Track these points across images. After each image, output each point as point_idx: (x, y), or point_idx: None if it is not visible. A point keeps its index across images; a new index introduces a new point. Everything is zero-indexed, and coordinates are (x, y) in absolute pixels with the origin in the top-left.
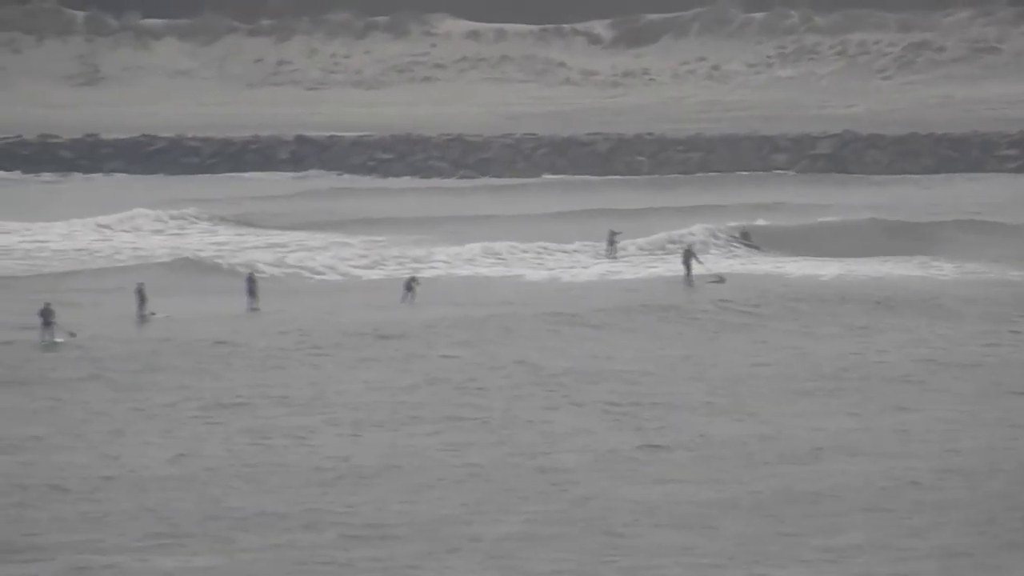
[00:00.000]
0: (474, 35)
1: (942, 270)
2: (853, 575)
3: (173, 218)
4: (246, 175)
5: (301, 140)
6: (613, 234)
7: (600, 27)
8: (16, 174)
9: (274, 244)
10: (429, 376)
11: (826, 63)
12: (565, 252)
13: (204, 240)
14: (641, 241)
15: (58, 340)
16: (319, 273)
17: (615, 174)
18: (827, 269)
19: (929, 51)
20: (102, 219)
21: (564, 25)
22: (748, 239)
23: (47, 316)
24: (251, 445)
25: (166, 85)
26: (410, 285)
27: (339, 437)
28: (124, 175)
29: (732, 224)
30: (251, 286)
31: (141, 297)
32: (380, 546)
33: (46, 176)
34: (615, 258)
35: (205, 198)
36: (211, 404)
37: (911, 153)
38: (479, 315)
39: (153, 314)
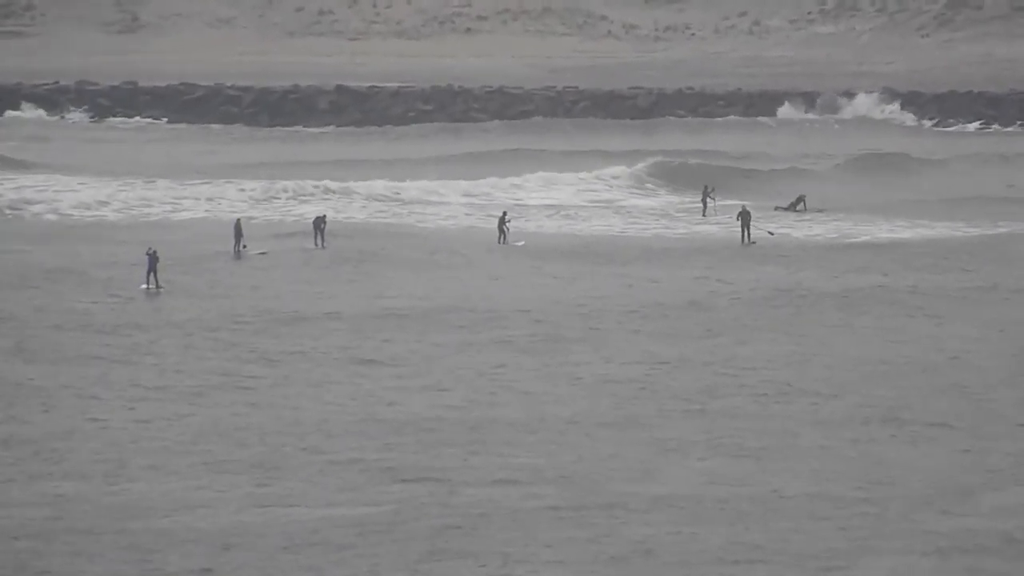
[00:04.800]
0: None
1: None
2: None
3: None
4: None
5: (341, 90)
6: (708, 191)
7: None
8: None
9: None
10: None
11: (866, 20)
12: None
13: None
14: None
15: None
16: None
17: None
18: None
19: (968, 9)
20: None
21: None
22: (798, 207)
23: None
24: None
25: (205, 34)
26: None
27: None
28: None
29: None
30: (238, 231)
31: (238, 232)
32: None
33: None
34: (705, 216)
35: None
36: None
37: (949, 111)
38: None
39: (245, 247)
